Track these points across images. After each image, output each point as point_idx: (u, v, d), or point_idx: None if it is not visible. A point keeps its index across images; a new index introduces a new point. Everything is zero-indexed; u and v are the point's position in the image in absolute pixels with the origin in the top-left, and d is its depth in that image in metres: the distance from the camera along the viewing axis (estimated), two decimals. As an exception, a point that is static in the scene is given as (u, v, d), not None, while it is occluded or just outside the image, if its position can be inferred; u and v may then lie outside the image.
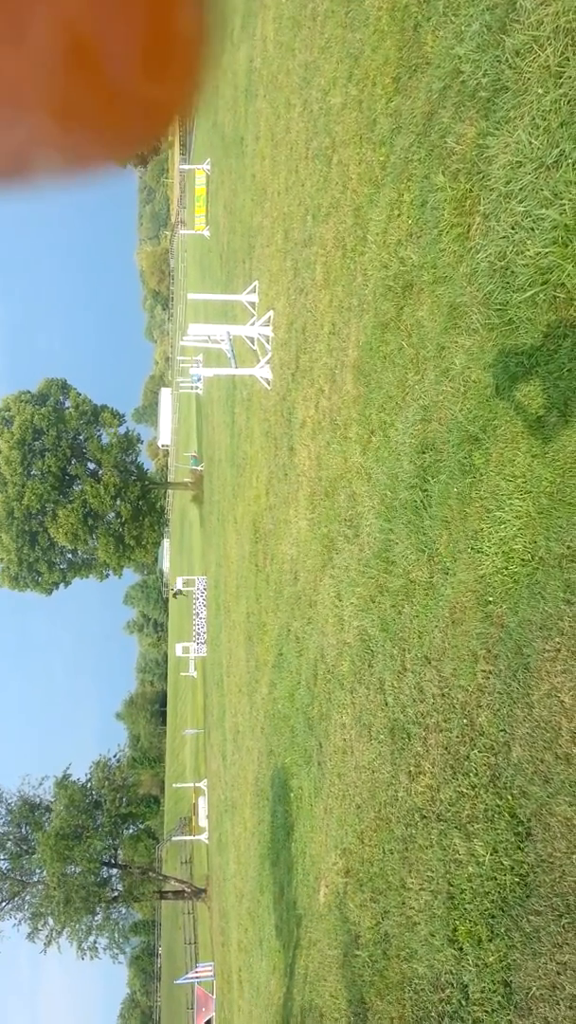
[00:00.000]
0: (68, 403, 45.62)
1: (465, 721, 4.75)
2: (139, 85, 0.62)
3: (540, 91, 4.23)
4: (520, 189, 4.40)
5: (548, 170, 4.15)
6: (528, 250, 4.30)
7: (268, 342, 12.77)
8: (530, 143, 4.29)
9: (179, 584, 38.90)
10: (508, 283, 4.54)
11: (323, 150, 9.30)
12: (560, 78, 4.07)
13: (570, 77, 3.99)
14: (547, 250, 4.13)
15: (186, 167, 37.89)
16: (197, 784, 30.43)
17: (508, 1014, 3.89)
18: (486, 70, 4.84)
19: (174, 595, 46.24)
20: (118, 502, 44.88)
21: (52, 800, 29.77)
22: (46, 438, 42.47)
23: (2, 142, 0.60)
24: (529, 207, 4.31)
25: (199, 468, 39.24)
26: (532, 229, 4.29)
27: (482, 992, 4.19)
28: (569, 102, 3.99)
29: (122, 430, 46.91)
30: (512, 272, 4.49)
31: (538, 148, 4.23)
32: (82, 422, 44.81)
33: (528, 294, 4.30)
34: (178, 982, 27.84)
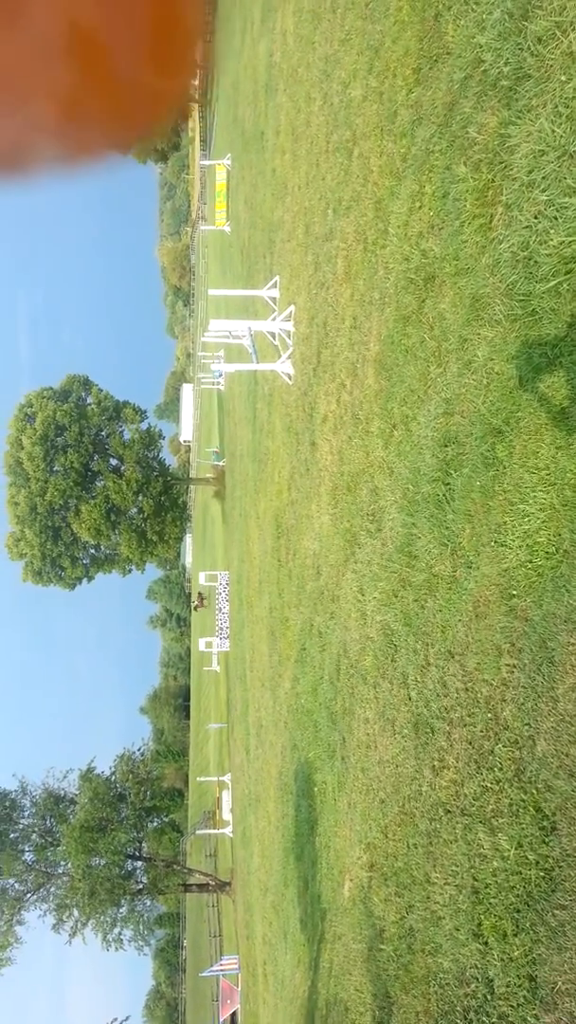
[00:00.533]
0: (90, 399, 45.91)
1: (489, 715, 4.72)
2: (139, 75, 0.63)
3: (563, 78, 4.18)
4: (543, 178, 4.35)
5: (571, 158, 4.10)
6: (551, 239, 4.26)
7: (289, 337, 12.75)
8: (553, 131, 4.24)
9: (202, 579, 39.00)
10: (531, 273, 4.50)
11: (344, 143, 9.26)
12: (584, 65, 4.01)
13: (594, 64, 3.93)
14: (571, 239, 4.09)
15: (206, 163, 37.90)
16: (221, 778, 30.56)
17: (534, 1008, 3.88)
18: (508, 58, 4.79)
19: (195, 608, 46.33)
20: (140, 498, 45.12)
21: (77, 793, 30.01)
22: (68, 434, 42.77)
23: (4, 129, 0.60)
24: (552, 196, 4.26)
25: (221, 463, 39.32)
26: (555, 218, 4.24)
27: (507, 987, 4.17)
28: (593, 89, 3.94)
29: (144, 426, 47.14)
30: (535, 262, 4.45)
31: (561, 136, 4.18)
32: (104, 418, 45.06)
33: (551, 284, 4.26)
34: (203, 975, 28.01)
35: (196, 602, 45.40)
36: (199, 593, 43.90)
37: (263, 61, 16.80)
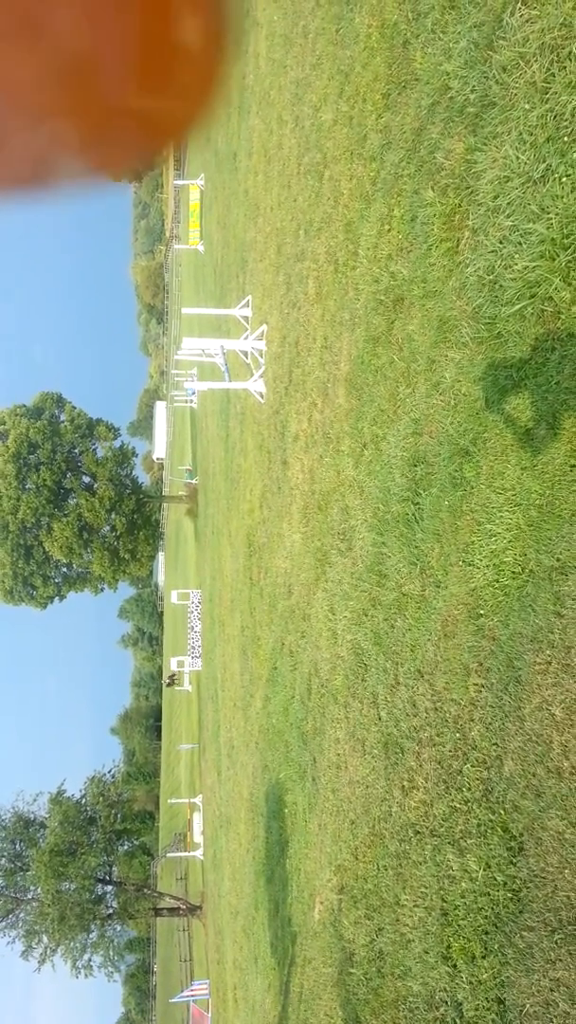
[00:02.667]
0: (63, 416, 45.69)
1: (458, 735, 4.72)
2: (137, 101, 0.61)
3: (527, 107, 4.26)
4: (508, 203, 4.43)
5: (535, 184, 4.17)
6: (516, 264, 4.32)
7: (261, 356, 12.80)
8: (517, 158, 4.32)
9: (174, 598, 38.78)
10: (497, 297, 4.56)
11: (315, 166, 9.36)
12: (546, 94, 4.10)
13: (555, 93, 4.02)
14: (534, 264, 4.15)
15: (180, 182, 38.13)
16: (192, 800, 30.24)
17: (502, 1032, 3.85)
18: (474, 86, 4.88)
19: (166, 684, 45.99)
20: (113, 516, 44.87)
21: (46, 816, 29.53)
22: (41, 452, 42.48)
23: (23, 146, 0.59)
24: (517, 221, 4.34)
25: (194, 482, 39.25)
26: (520, 243, 4.31)
27: (476, 1010, 4.15)
28: (555, 117, 4.02)
29: (117, 443, 46.99)
30: (500, 286, 4.51)
31: (525, 163, 4.26)
32: (77, 435, 44.85)
33: (516, 308, 4.32)
34: (174, 1000, 27.53)
35: (167, 680, 45.26)
36: (171, 674, 43.72)
37: (236, 83, 16.98)
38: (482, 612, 4.55)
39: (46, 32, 0.53)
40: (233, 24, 0.62)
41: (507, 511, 4.36)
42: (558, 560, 3.85)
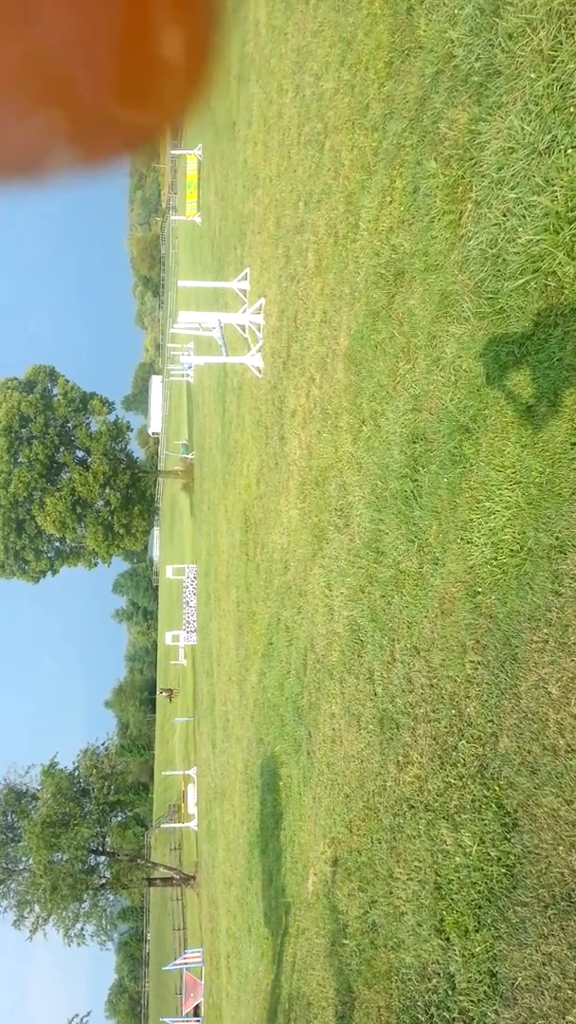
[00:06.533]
0: (56, 390, 45.41)
1: (453, 712, 4.74)
2: (116, 110, 0.59)
3: (533, 76, 4.18)
4: (512, 176, 4.35)
5: (540, 156, 4.10)
6: (520, 238, 4.26)
7: (259, 330, 12.68)
8: (522, 129, 4.24)
9: (169, 572, 38.81)
10: (499, 271, 4.50)
11: (315, 136, 9.21)
12: (553, 62, 4.01)
13: (563, 62, 3.93)
14: (538, 238, 4.09)
15: (177, 152, 37.57)
16: (187, 772, 30.49)
17: (494, 1004, 3.90)
18: (479, 54, 4.78)
19: (163, 695, 46.16)
20: (107, 490, 44.78)
21: (39, 788, 29.73)
22: (34, 425, 42.27)
23: (17, 134, 0.57)
24: (521, 194, 4.27)
25: (190, 456, 39.13)
26: (524, 216, 4.24)
27: (468, 982, 4.19)
28: (562, 87, 3.94)
29: (111, 418, 46.78)
30: (503, 260, 4.45)
31: (530, 134, 4.18)
32: (70, 409, 44.62)
33: (519, 282, 4.26)
34: (167, 968, 27.98)
35: (165, 693, 45.49)
36: (170, 688, 43.89)
37: (235, 51, 16.66)
38: (479, 590, 4.54)
39: (35, 19, 0.51)
40: (220, 25, 0.60)
41: (506, 489, 4.33)
42: (557, 539, 3.83)
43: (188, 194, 30.62)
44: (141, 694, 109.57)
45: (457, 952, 4.36)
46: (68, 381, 45.86)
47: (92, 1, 0.52)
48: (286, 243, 10.84)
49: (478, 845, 4.24)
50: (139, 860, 31.67)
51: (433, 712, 5.04)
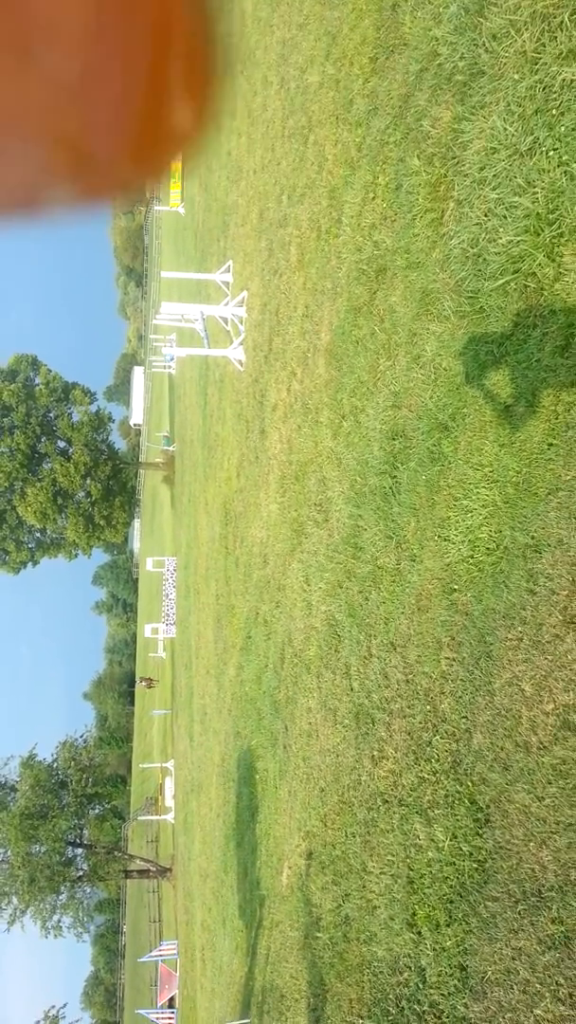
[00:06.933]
0: (38, 380, 45.07)
1: (428, 707, 4.77)
2: (116, 151, 0.60)
3: (516, 76, 4.19)
4: (494, 176, 4.37)
5: (522, 157, 4.12)
6: (500, 238, 4.28)
7: (241, 323, 12.66)
8: (505, 129, 4.26)
9: (149, 565, 38.68)
10: (480, 271, 4.52)
11: (299, 129, 9.19)
12: (536, 64, 4.03)
13: (546, 64, 3.95)
14: (519, 238, 4.11)
15: (162, 142, 37.18)
16: (164, 765, 30.49)
17: (464, 997, 3.94)
18: (463, 53, 4.79)
19: (142, 684, 46.07)
20: (88, 481, 44.56)
21: (17, 780, 29.64)
22: (15, 415, 41.94)
23: (17, 171, 0.57)
24: (502, 194, 4.28)
25: (171, 448, 38.99)
26: (505, 217, 4.26)
27: (439, 976, 4.24)
28: (544, 89, 3.96)
29: (93, 408, 46.52)
30: (484, 260, 4.47)
31: (512, 135, 4.19)
32: (52, 399, 44.32)
33: (499, 282, 4.29)
34: (142, 960, 28.00)
35: (144, 683, 45.37)
36: (150, 677, 43.73)
37: (220, 41, 16.56)
38: (456, 587, 4.57)
39: (40, 57, 0.51)
40: (227, 68, 0.60)
41: (484, 487, 4.36)
42: (532, 538, 3.86)
43: (172, 184, 30.43)
44: (120, 686, 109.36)
45: (428, 946, 4.40)
46: (50, 371, 45.55)
47: (98, 42, 0.52)
48: (269, 236, 10.81)
49: (450, 840, 4.28)
50: (116, 852, 31.68)
51: (408, 708, 5.07)
